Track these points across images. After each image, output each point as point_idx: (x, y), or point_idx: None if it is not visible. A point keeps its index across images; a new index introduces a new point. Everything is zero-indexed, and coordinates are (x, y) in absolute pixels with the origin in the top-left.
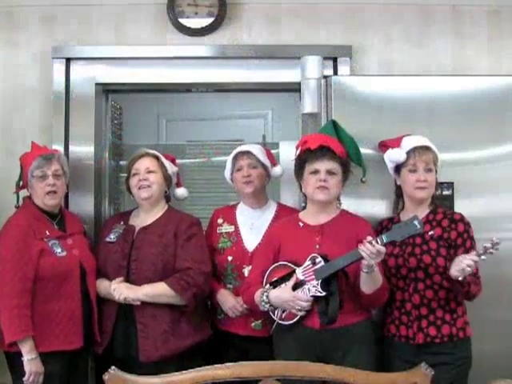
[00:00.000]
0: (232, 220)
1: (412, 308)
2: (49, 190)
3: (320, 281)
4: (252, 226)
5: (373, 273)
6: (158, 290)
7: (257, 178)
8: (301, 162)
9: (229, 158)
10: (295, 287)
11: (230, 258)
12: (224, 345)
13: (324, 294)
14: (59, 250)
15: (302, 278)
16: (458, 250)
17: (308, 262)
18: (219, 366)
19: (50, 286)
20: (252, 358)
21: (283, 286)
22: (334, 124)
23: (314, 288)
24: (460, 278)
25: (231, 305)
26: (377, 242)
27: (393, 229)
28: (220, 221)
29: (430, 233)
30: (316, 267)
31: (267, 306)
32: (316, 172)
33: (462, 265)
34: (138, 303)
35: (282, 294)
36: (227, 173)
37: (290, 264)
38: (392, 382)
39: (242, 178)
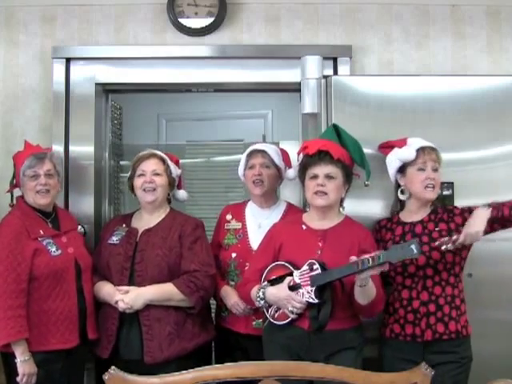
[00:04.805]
0: (240, 217)
1: (420, 305)
2: (40, 189)
3: (315, 288)
4: (260, 225)
5: (367, 286)
6: (166, 292)
7: (267, 179)
8: (302, 168)
9: (243, 155)
10: (291, 289)
11: (233, 255)
12: (226, 343)
13: (317, 301)
14: (54, 249)
15: (298, 281)
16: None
17: (306, 267)
18: (219, 365)
19: (45, 285)
20: (252, 356)
21: (280, 284)
22: (336, 128)
23: (307, 294)
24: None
25: (234, 301)
26: (373, 260)
27: (391, 249)
28: (229, 217)
29: (437, 228)
30: (312, 273)
31: (262, 302)
32: (315, 177)
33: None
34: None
35: (278, 291)
36: (240, 169)
37: (288, 265)
38: (392, 382)
39: (253, 176)
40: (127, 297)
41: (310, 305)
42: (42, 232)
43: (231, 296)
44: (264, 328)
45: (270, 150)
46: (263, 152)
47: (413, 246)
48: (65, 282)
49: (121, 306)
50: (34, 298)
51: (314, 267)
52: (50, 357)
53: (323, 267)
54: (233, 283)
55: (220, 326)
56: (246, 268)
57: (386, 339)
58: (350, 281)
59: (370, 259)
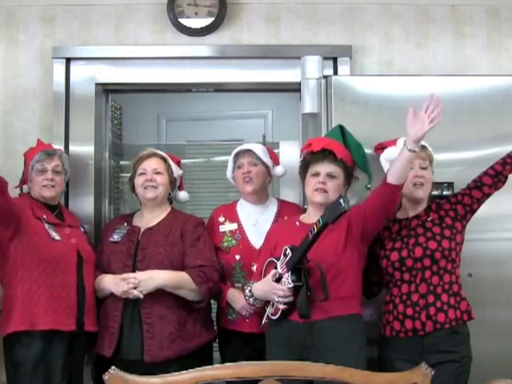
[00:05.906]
0: (234, 218)
1: (419, 298)
2: (46, 183)
3: (290, 272)
4: (256, 222)
5: (410, 159)
6: (178, 278)
7: (257, 176)
8: (304, 164)
9: (230, 157)
10: (278, 281)
11: (237, 257)
12: (235, 345)
13: (292, 285)
14: (54, 234)
15: (280, 271)
16: (464, 211)
17: (282, 256)
18: (219, 365)
19: (43, 266)
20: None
21: (264, 278)
22: (342, 129)
23: (286, 280)
24: None
25: (243, 303)
26: (316, 226)
27: (325, 212)
28: (221, 219)
29: (429, 218)
30: (287, 259)
31: (251, 299)
32: (317, 174)
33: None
34: (141, 296)
35: (262, 285)
36: (228, 172)
37: (274, 259)
38: (392, 382)
39: (242, 174)
40: (140, 274)
41: (295, 292)
42: (45, 217)
43: (239, 299)
44: (263, 328)
45: (256, 148)
46: (249, 151)
47: (341, 201)
48: (64, 268)
49: (132, 281)
50: (33, 278)
51: (287, 252)
52: (49, 336)
53: (293, 250)
54: (239, 285)
55: (226, 328)
56: (253, 268)
57: (386, 338)
58: (326, 260)
59: (314, 226)
